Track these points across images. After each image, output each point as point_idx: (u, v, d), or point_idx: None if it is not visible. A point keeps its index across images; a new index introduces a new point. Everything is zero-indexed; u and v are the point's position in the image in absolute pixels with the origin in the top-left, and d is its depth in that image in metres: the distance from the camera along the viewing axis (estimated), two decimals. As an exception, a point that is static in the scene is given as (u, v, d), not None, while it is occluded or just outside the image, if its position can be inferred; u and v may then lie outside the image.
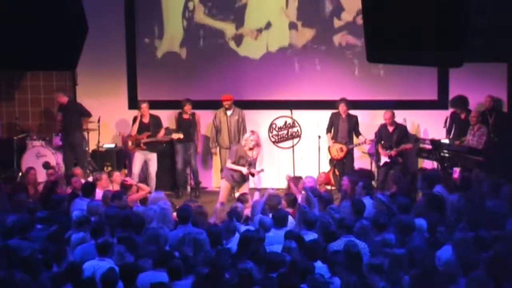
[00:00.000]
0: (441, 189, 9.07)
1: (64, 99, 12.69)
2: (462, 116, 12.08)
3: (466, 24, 4.18)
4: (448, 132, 12.13)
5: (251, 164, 10.72)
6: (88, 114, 12.70)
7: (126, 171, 12.70)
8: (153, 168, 12.23)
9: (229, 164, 10.79)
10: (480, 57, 4.58)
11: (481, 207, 8.17)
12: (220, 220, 8.64)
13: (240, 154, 10.73)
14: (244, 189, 10.81)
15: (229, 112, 12.43)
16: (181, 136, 12.21)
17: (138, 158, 12.23)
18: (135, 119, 12.37)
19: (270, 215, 8.32)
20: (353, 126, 12.40)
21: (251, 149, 10.70)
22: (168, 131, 12.55)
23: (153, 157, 12.26)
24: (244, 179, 10.84)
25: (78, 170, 11.41)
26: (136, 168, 12.16)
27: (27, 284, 6.17)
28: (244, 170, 10.65)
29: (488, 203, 8.21)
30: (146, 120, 12.28)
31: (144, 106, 12.25)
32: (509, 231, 7.18)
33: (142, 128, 12.25)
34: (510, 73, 12.30)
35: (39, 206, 8.90)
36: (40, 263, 6.62)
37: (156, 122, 12.33)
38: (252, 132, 11.01)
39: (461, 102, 12.12)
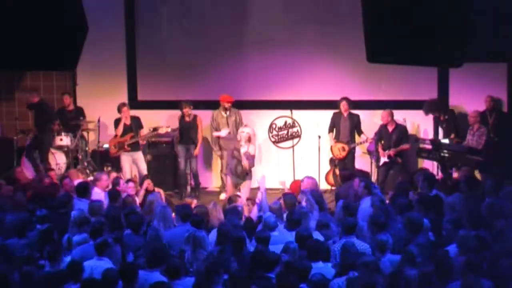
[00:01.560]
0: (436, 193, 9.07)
1: (35, 99, 12.63)
2: (441, 118, 12.08)
3: (466, 24, 4.19)
4: (436, 136, 12.14)
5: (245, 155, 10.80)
6: (53, 118, 12.59)
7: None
8: (142, 166, 12.21)
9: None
10: (480, 57, 4.58)
11: (480, 207, 8.16)
12: (217, 219, 8.65)
13: (234, 145, 11.00)
14: (245, 186, 10.86)
15: (227, 113, 12.39)
16: (168, 129, 12.22)
17: (126, 161, 12.18)
18: (118, 121, 12.27)
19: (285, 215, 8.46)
20: (355, 125, 12.37)
21: (246, 141, 10.83)
22: (154, 129, 12.52)
23: (139, 156, 12.26)
24: (244, 174, 10.86)
25: (72, 172, 11.38)
26: (127, 171, 12.12)
27: (26, 282, 6.18)
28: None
29: (488, 203, 8.20)
30: (127, 122, 12.27)
31: (125, 108, 12.25)
32: (509, 231, 7.18)
33: (125, 129, 12.23)
34: (510, 73, 12.30)
35: (38, 206, 8.88)
36: (36, 262, 6.64)
37: (137, 123, 12.32)
38: (245, 125, 11.32)
39: (435, 107, 12.10)
